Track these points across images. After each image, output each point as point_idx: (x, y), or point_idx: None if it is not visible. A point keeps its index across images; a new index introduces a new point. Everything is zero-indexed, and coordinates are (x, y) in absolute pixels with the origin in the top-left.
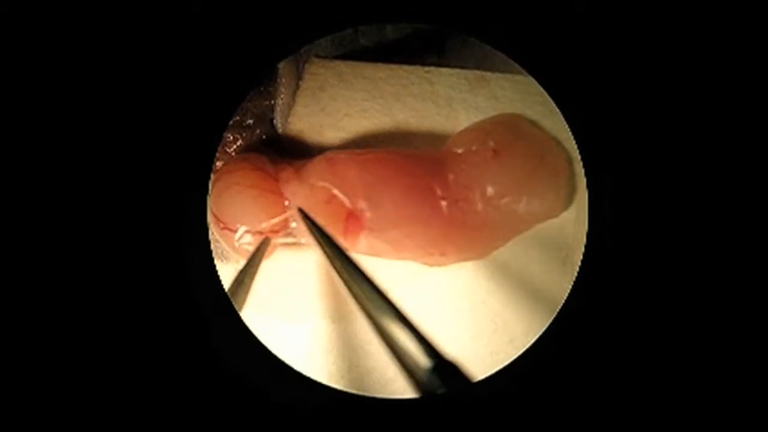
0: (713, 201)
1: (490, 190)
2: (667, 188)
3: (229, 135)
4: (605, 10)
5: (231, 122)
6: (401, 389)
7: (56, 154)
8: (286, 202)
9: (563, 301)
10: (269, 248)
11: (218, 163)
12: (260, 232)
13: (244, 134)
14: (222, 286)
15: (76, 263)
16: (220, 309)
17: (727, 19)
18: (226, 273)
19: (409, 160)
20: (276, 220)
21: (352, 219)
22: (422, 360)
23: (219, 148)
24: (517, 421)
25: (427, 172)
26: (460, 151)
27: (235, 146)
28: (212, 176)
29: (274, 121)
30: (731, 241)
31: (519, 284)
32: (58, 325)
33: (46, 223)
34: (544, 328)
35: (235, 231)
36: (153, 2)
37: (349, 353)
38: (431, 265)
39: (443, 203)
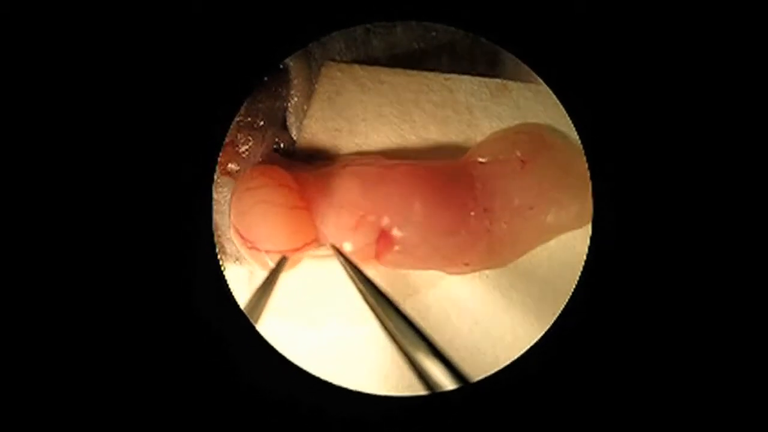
0: (717, 206)
1: (517, 201)
2: (670, 193)
3: (240, 136)
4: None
5: (242, 123)
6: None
7: (54, 155)
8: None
9: (565, 303)
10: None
11: (231, 165)
12: (277, 251)
13: (255, 135)
14: (228, 288)
15: (74, 261)
16: (224, 313)
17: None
18: (241, 275)
19: (437, 173)
20: (309, 244)
21: (383, 238)
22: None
23: (230, 149)
24: (520, 421)
25: (454, 183)
26: (484, 160)
27: (246, 147)
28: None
29: (288, 123)
30: (734, 244)
31: (523, 286)
32: (62, 327)
33: (50, 228)
34: (546, 329)
35: (262, 251)
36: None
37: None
38: (451, 274)
39: (471, 214)
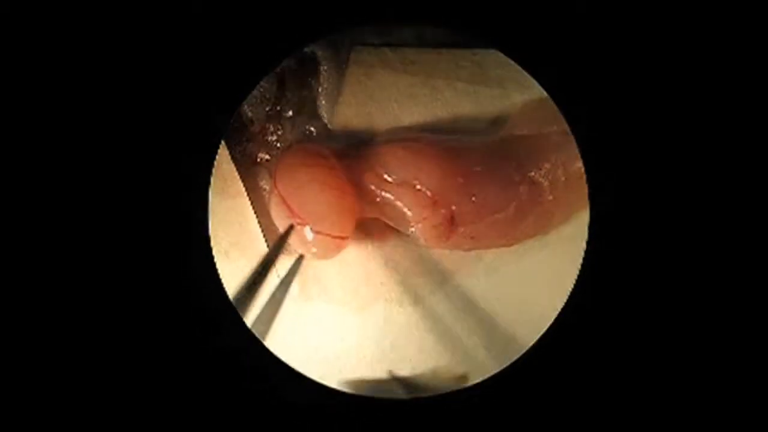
0: (715, 204)
1: (564, 171)
2: (668, 191)
3: (270, 125)
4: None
5: (271, 112)
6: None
7: (57, 140)
8: None
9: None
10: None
11: (261, 154)
12: (327, 234)
13: (285, 124)
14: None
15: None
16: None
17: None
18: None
19: (484, 148)
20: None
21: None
22: None
23: (260, 138)
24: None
25: (500, 157)
26: (525, 132)
27: (276, 136)
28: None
29: (320, 110)
30: (731, 243)
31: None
32: (60, 321)
33: (47, 217)
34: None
35: (305, 226)
36: None
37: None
38: (499, 246)
39: (521, 188)
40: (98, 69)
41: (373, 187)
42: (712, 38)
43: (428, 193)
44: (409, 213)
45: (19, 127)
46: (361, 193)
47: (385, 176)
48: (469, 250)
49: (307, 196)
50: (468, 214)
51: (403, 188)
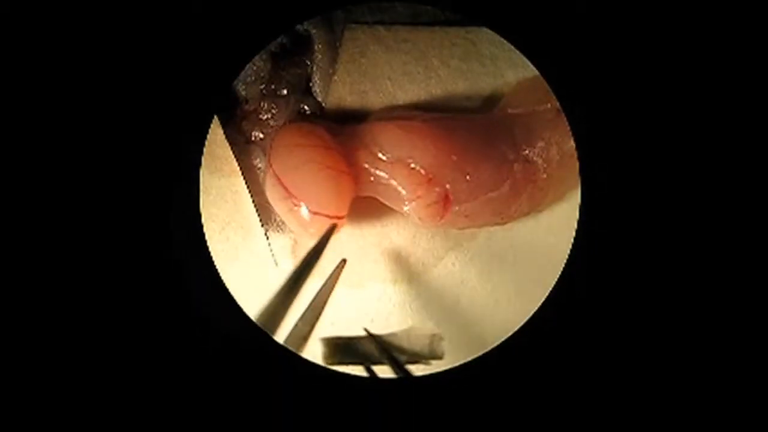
0: (707, 184)
1: (558, 149)
2: (660, 169)
3: (264, 103)
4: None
5: (265, 91)
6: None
7: (46, 121)
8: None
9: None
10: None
11: (255, 133)
12: (324, 215)
13: (279, 102)
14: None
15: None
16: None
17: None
18: (283, 243)
19: (477, 125)
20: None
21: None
22: None
23: (254, 117)
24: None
25: (494, 135)
26: (519, 110)
27: (270, 114)
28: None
29: (314, 89)
30: (724, 224)
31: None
32: (49, 302)
33: (35, 199)
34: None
35: (302, 209)
36: None
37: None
38: (492, 225)
39: (515, 166)
40: (87, 47)
41: (366, 166)
42: (704, 16)
43: (422, 171)
44: (403, 191)
45: (7, 108)
46: (355, 172)
47: (379, 154)
48: (464, 228)
49: (303, 176)
50: (462, 192)
51: (397, 166)
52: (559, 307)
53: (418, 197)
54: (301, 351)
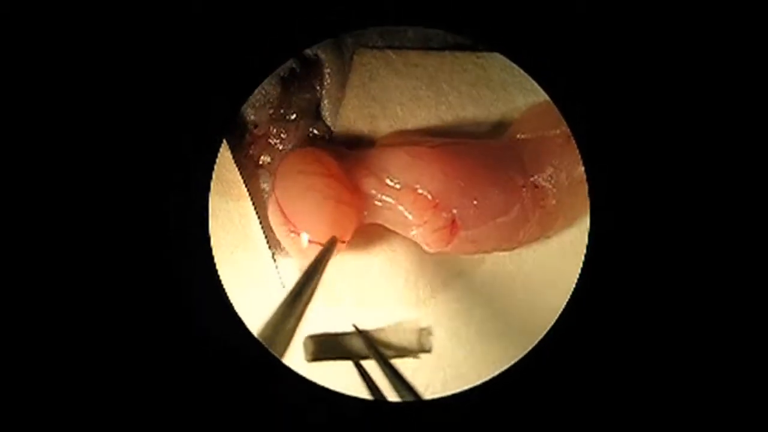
0: (715, 208)
1: (567, 175)
2: (670, 195)
3: (273, 128)
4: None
5: (274, 116)
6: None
7: (60, 142)
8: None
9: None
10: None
11: (264, 157)
12: (321, 244)
13: (288, 127)
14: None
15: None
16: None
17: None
18: (291, 266)
19: (486, 151)
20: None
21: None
22: None
23: (263, 141)
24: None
25: (502, 160)
26: (529, 136)
27: (279, 139)
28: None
29: (323, 113)
30: (732, 248)
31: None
32: (62, 327)
33: (48, 221)
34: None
35: (300, 237)
36: None
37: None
38: (501, 251)
39: (524, 191)
40: (99, 70)
41: (374, 192)
42: (714, 44)
43: (429, 196)
44: (409, 217)
45: (22, 131)
46: (362, 198)
47: (387, 180)
48: (472, 254)
49: (303, 204)
50: (470, 217)
51: (403, 192)
52: (566, 334)
53: (425, 222)
54: (288, 346)
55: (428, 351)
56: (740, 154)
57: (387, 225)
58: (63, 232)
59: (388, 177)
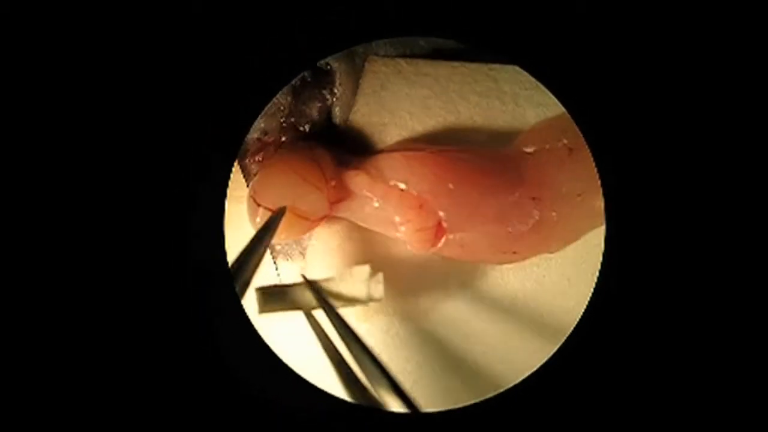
0: (734, 218)
1: (565, 189)
2: (687, 207)
3: (283, 137)
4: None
5: (285, 124)
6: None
7: (80, 152)
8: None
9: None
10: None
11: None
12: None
13: (299, 135)
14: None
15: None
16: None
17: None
18: (291, 269)
19: (484, 159)
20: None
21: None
22: None
23: (272, 149)
24: None
25: (501, 170)
26: (532, 149)
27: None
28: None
29: (334, 120)
30: (750, 258)
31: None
32: (73, 332)
33: (61, 227)
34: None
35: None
36: None
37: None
38: (499, 263)
39: (522, 202)
40: (115, 81)
41: (362, 190)
42: (731, 56)
43: (414, 194)
44: (396, 216)
45: (33, 141)
46: (340, 192)
47: (377, 179)
48: (463, 259)
49: (267, 172)
50: (458, 221)
51: (390, 189)
52: (578, 347)
53: (408, 221)
54: (243, 297)
55: (378, 300)
56: (761, 174)
57: (378, 230)
58: (77, 239)
59: (379, 176)
